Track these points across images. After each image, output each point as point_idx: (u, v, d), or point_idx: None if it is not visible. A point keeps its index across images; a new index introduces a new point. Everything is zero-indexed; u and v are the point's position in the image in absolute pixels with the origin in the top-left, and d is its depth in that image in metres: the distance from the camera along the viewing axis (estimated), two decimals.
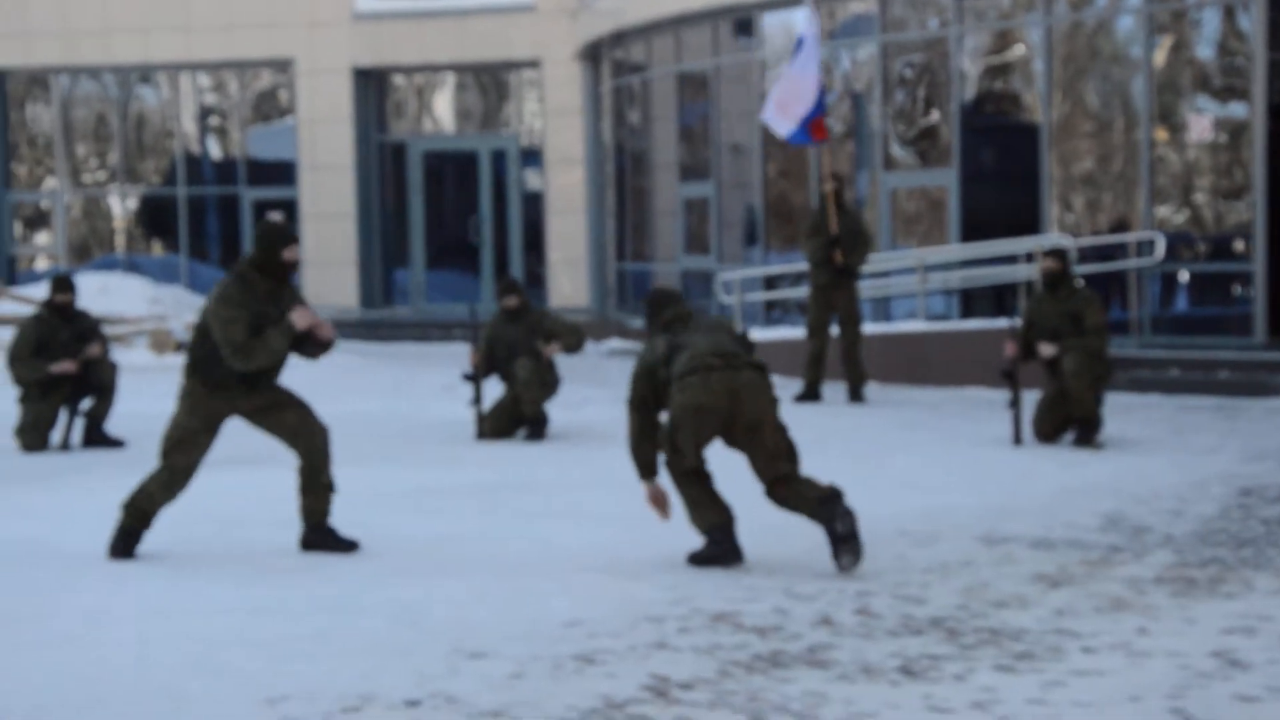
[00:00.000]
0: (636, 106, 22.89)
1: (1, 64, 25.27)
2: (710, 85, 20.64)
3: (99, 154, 26.13)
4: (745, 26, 20.19)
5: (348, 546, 7.48)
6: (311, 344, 7.43)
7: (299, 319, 7.24)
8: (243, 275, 7.28)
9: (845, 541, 6.87)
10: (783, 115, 14.17)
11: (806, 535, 7.52)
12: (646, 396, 7.20)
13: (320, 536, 7.49)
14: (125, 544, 7.35)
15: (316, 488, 7.47)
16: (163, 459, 7.35)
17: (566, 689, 5.14)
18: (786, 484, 7.05)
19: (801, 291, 17.01)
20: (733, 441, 7.11)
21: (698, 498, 7.15)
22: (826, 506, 6.90)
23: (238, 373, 7.27)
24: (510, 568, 7.05)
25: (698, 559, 7.13)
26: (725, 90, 20.59)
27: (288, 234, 7.43)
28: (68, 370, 11.28)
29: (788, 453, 7.07)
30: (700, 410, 6.98)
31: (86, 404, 11.59)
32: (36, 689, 5.16)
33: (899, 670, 5.37)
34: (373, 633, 5.87)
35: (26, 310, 17.67)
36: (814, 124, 14.05)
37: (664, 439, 7.17)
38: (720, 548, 7.10)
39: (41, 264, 26.00)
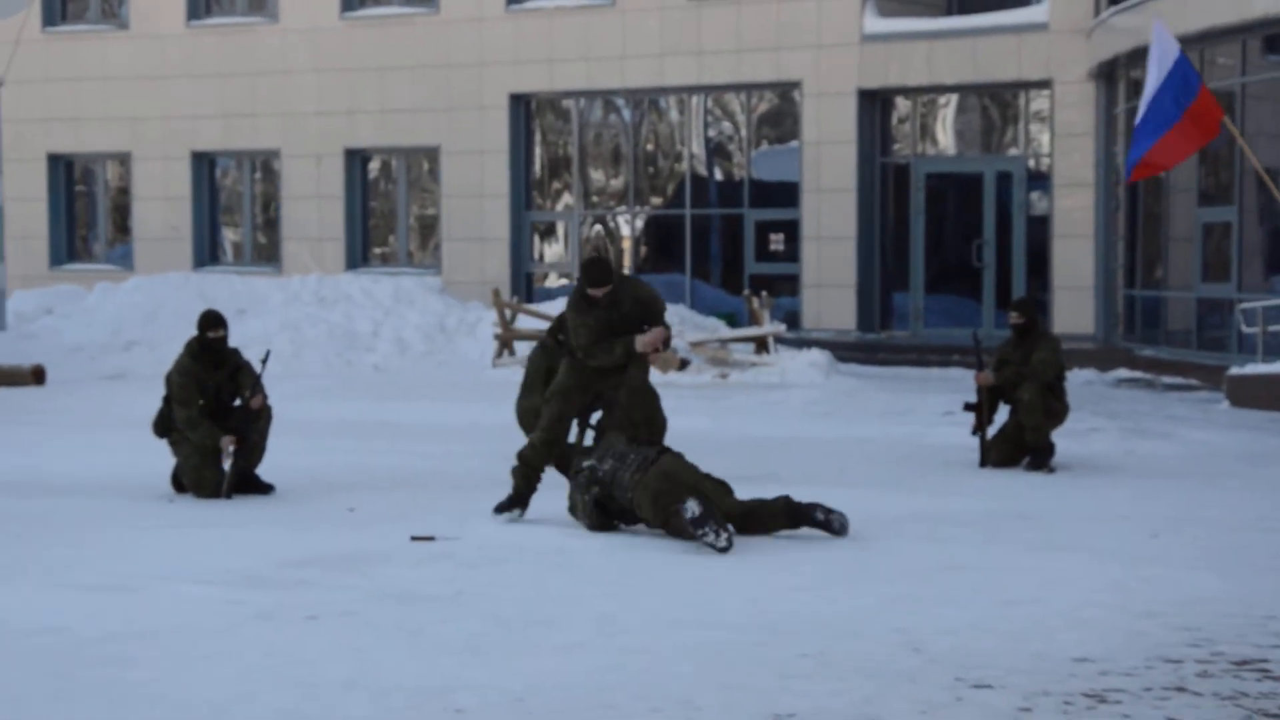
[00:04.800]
0: None
1: (527, 90, 26.61)
2: (1236, 104, 19.62)
3: (611, 175, 27.16)
4: (1275, 43, 19.10)
5: None
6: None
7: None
8: None
9: None
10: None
11: None
12: None
13: None
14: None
15: None
16: None
17: None
18: None
19: None
20: None
21: None
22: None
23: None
24: (1013, 600, 6.87)
25: None
26: (1252, 110, 19.54)
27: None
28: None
29: None
30: None
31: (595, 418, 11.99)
32: (554, 690, 5.35)
33: None
34: (874, 657, 5.82)
35: (542, 325, 18.51)
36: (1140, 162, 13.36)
37: None
38: None
39: (553, 281, 27.22)
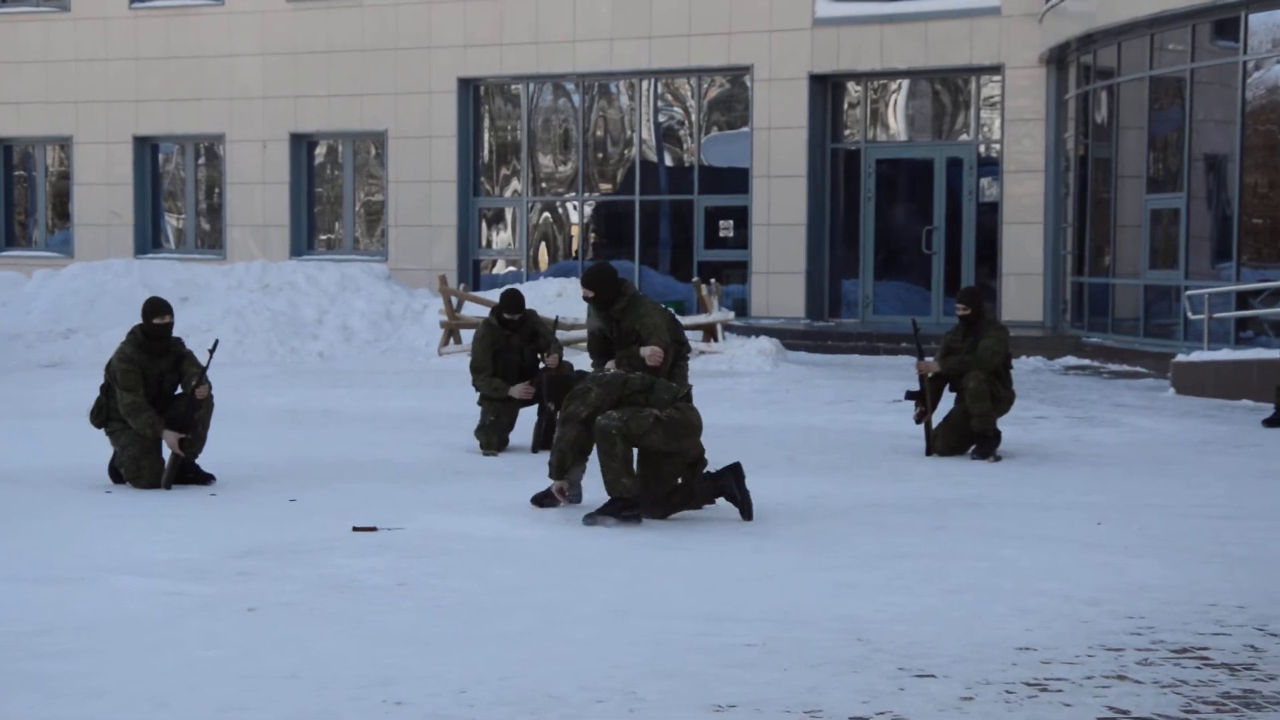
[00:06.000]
0: (1103, 113, 22.10)
1: (475, 74, 26.46)
2: (1185, 91, 19.69)
3: (560, 161, 27.04)
4: (1227, 27, 19.16)
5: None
6: None
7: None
8: None
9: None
10: None
11: None
12: None
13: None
14: None
15: None
16: None
17: (1019, 716, 4.95)
18: None
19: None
20: None
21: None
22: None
23: None
24: (959, 587, 6.87)
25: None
26: (1201, 96, 19.61)
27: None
28: (526, 395, 11.58)
29: None
30: None
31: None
32: (497, 681, 5.30)
33: None
34: (819, 646, 5.80)
35: (484, 313, 18.40)
36: None
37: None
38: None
39: (501, 269, 27.10)
